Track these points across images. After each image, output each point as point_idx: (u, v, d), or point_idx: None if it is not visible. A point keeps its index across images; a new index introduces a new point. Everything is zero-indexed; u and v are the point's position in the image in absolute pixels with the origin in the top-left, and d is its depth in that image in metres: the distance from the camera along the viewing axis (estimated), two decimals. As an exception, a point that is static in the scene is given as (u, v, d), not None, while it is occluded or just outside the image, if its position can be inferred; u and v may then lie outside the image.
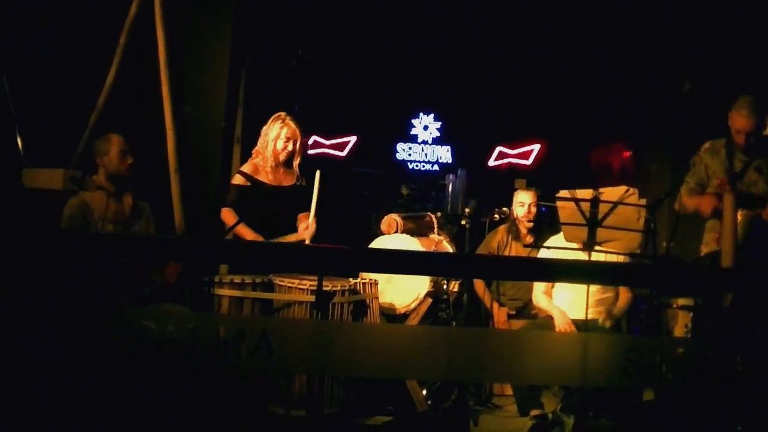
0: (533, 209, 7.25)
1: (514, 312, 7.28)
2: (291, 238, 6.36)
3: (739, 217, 5.64)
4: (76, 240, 4.20)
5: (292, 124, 6.38)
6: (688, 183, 6.27)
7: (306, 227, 6.31)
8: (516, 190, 7.52)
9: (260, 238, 6.17)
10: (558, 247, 6.22)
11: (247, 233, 6.19)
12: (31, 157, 6.28)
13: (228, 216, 6.31)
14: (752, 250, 5.67)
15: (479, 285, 7.29)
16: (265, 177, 6.40)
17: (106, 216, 5.76)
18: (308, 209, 6.28)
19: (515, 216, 7.31)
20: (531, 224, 7.28)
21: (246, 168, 6.48)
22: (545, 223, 7.29)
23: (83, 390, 4.06)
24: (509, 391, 6.87)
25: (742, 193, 5.78)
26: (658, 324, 6.37)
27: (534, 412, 6.33)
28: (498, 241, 7.39)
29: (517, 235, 7.35)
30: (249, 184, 6.38)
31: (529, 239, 7.31)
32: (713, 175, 6.07)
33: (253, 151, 6.53)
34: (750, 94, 5.97)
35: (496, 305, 7.28)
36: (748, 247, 5.64)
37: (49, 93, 6.93)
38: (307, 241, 6.25)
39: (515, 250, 7.32)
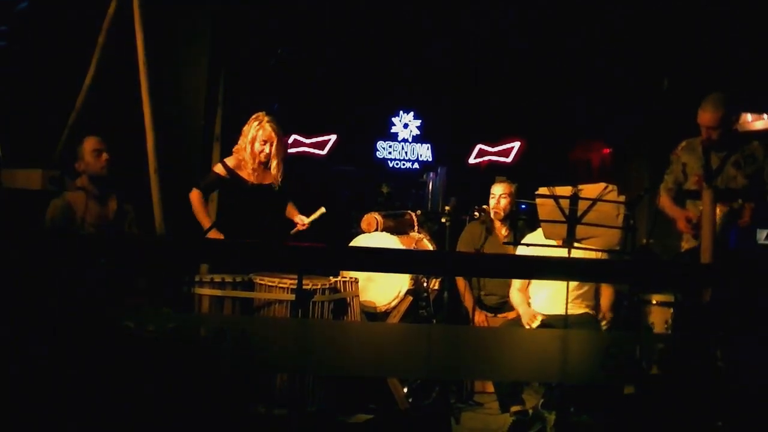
0: (503, 201, 7.21)
1: (494, 308, 7.27)
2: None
3: (718, 213, 5.66)
4: (54, 240, 4.19)
5: (269, 126, 6.33)
6: (666, 182, 6.31)
7: (301, 222, 6.53)
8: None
9: None
10: (538, 244, 6.24)
11: (217, 237, 6.18)
12: (10, 157, 6.26)
13: (195, 196, 6.30)
14: (730, 244, 5.70)
15: (460, 281, 7.29)
16: (246, 174, 6.37)
17: (90, 219, 5.75)
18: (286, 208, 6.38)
19: (488, 207, 7.30)
20: (501, 215, 7.24)
21: (229, 161, 6.43)
22: (524, 221, 7.27)
23: (62, 389, 4.05)
24: (491, 388, 6.88)
25: (720, 189, 5.81)
26: (638, 320, 6.39)
27: (514, 408, 6.34)
28: (474, 236, 7.38)
29: (491, 227, 7.33)
30: (228, 177, 6.36)
31: (505, 231, 7.29)
32: (691, 172, 6.11)
33: (234, 149, 6.49)
34: (722, 91, 6.00)
35: (477, 309, 7.26)
36: (726, 242, 5.68)
37: (28, 94, 6.91)
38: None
39: (491, 242, 7.30)
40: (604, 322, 6.52)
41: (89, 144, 5.88)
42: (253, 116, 6.41)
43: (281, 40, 10.24)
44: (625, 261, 6.28)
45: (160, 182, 6.56)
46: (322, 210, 6.46)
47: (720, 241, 5.56)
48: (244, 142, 6.38)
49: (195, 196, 6.34)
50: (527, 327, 6.37)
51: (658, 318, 6.27)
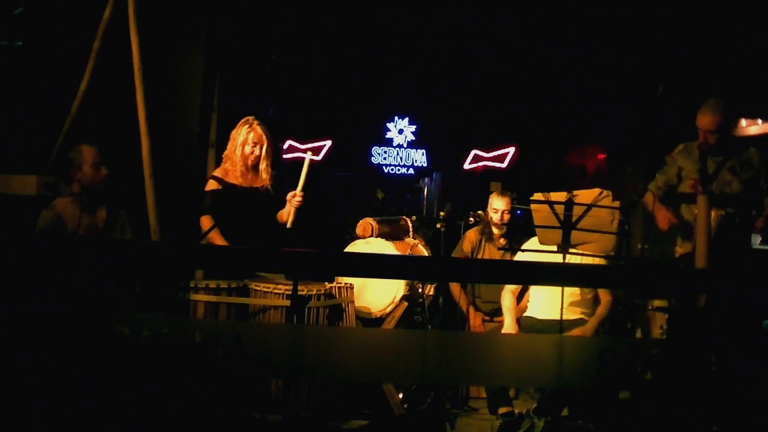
0: (506, 216, 7.25)
1: (489, 314, 7.27)
2: (283, 212, 6.40)
3: (713, 216, 5.67)
4: (46, 245, 4.18)
5: (259, 129, 6.35)
6: (657, 181, 6.31)
7: (293, 195, 6.26)
8: (492, 193, 7.51)
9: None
10: (533, 250, 6.24)
11: (217, 239, 6.12)
12: (4, 163, 6.25)
13: (206, 223, 6.24)
14: (725, 249, 5.70)
15: (455, 287, 7.29)
16: (236, 180, 6.35)
17: (79, 230, 5.71)
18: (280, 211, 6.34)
19: (489, 218, 7.32)
20: (504, 228, 7.28)
21: (218, 173, 6.43)
22: (520, 227, 7.28)
23: (55, 393, 4.05)
24: (485, 393, 6.87)
25: (716, 194, 5.82)
26: (633, 325, 6.38)
27: (502, 410, 6.32)
28: (472, 243, 7.39)
29: (490, 237, 7.34)
30: (221, 187, 6.34)
31: (503, 241, 7.32)
32: (686, 176, 6.11)
33: (223, 156, 6.48)
34: (720, 96, 6.01)
35: (472, 310, 7.27)
36: (721, 247, 5.67)
37: (23, 99, 6.90)
38: (292, 212, 6.25)
39: (489, 251, 7.32)
40: (590, 332, 6.48)
41: (89, 156, 5.77)
42: (242, 120, 6.42)
43: (276, 46, 10.23)
44: (620, 266, 6.28)
45: (155, 187, 6.55)
46: (308, 158, 6.30)
47: (715, 245, 5.57)
48: (233, 145, 6.39)
49: (205, 221, 6.25)
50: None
51: (653, 323, 6.26)
